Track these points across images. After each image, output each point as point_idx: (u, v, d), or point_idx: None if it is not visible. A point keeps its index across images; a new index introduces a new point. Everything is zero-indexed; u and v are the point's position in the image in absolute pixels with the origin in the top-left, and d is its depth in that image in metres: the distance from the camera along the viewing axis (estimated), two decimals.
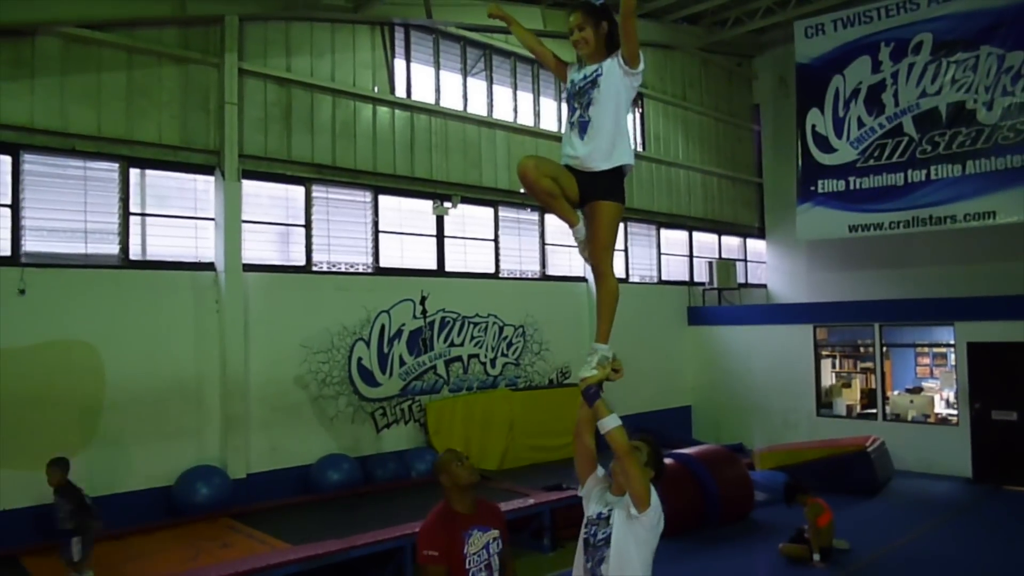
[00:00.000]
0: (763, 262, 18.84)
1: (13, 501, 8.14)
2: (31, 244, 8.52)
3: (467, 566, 3.76)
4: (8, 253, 8.35)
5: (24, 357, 8.31)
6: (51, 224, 8.70)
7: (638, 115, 15.95)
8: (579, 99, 3.79)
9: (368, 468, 10.78)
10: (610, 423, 3.50)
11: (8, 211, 8.39)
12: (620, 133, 3.75)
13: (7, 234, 8.37)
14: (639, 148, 15.79)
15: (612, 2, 3.77)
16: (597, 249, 3.78)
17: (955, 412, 13.28)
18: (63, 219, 8.79)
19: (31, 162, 8.58)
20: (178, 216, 9.76)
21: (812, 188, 15.25)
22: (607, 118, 3.70)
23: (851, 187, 14.73)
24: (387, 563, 8.06)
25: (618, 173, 3.76)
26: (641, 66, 3.70)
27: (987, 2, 13.23)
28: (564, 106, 4.04)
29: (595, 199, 3.73)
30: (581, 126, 3.77)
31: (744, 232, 18.55)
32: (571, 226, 3.84)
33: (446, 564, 3.74)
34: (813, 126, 15.28)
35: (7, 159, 8.42)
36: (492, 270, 13.12)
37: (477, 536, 3.84)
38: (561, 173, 3.75)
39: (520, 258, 13.58)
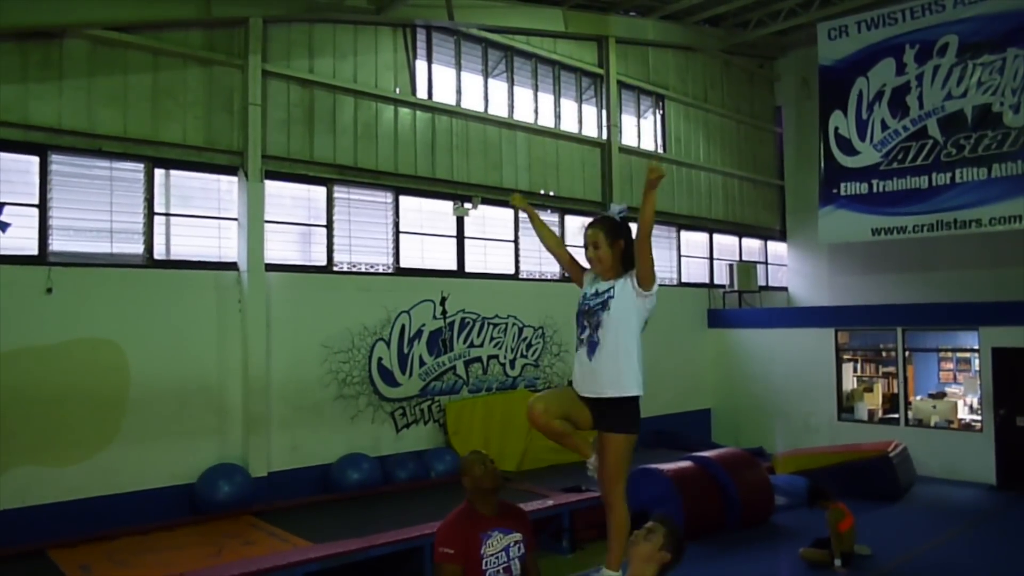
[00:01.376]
0: (784, 265, 18.72)
1: (40, 497, 8.25)
2: (58, 244, 8.65)
3: (484, 567, 3.69)
4: (36, 252, 8.49)
5: (50, 355, 8.44)
6: (78, 224, 8.83)
7: (659, 116, 15.92)
8: (588, 318, 3.84)
9: (388, 468, 10.83)
10: None
11: (36, 211, 8.52)
12: (629, 360, 3.76)
13: (35, 234, 8.50)
14: (660, 150, 15.76)
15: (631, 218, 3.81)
16: (604, 479, 3.83)
17: (979, 418, 13.11)
18: (89, 219, 8.92)
19: (58, 162, 8.71)
20: (202, 216, 9.87)
21: (835, 191, 15.12)
22: (616, 342, 3.74)
23: (874, 190, 14.59)
24: (406, 563, 8.08)
25: (629, 401, 3.78)
26: (655, 288, 3.74)
27: (1014, 4, 13.05)
28: (574, 322, 4.11)
29: (604, 430, 3.78)
30: (590, 346, 3.82)
31: (765, 235, 18.44)
32: (584, 458, 3.91)
33: (462, 564, 3.68)
34: (836, 128, 15.15)
35: (35, 160, 8.55)
36: (512, 271, 13.14)
37: (497, 538, 3.77)
38: (572, 406, 3.82)
39: (540, 259, 13.58)
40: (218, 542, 8.14)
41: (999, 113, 13.22)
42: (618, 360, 3.73)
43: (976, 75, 13.47)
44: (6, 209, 8.28)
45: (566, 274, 4.09)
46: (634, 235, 3.78)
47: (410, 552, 8.04)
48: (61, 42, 8.67)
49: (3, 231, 8.25)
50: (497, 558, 3.74)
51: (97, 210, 8.98)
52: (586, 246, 3.91)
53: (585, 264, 4.12)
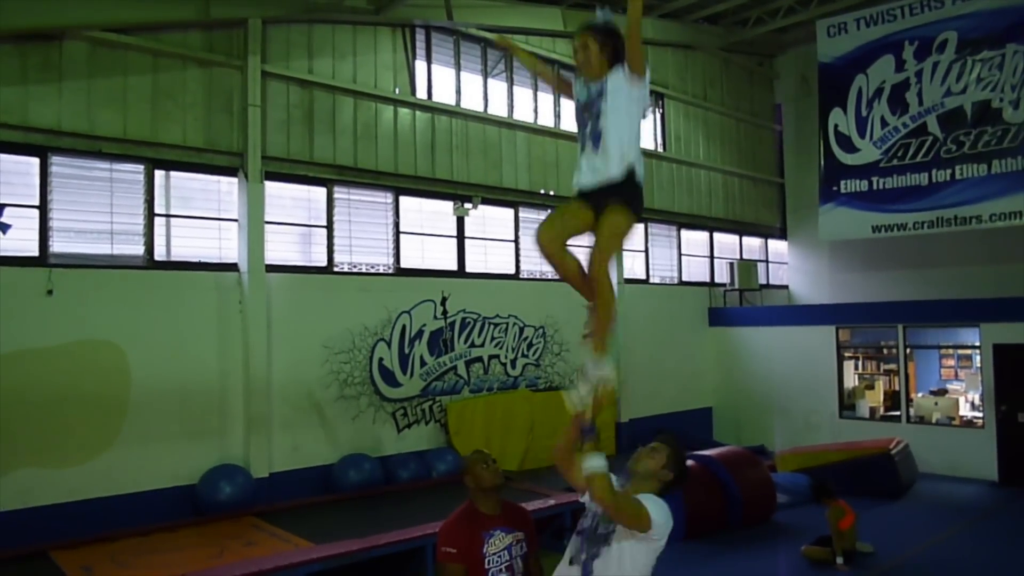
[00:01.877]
0: (785, 263, 18.72)
1: (41, 498, 8.26)
2: (58, 245, 8.65)
3: (486, 566, 3.69)
4: (36, 254, 8.49)
5: (51, 357, 8.44)
6: (78, 225, 8.83)
7: (659, 115, 15.91)
8: (588, 111, 3.72)
9: (389, 468, 10.83)
10: (595, 466, 3.12)
11: (36, 212, 8.53)
12: (632, 144, 3.66)
13: (35, 235, 8.50)
14: (660, 149, 15.75)
15: (615, 18, 3.73)
16: (594, 254, 3.71)
17: (980, 415, 13.12)
18: (90, 220, 8.92)
19: (58, 164, 8.71)
20: (202, 217, 9.87)
21: (835, 188, 15.13)
22: (618, 128, 3.63)
23: (874, 187, 14.60)
24: (408, 563, 8.09)
25: (632, 186, 3.64)
26: (648, 75, 3.62)
27: (1013, 0, 13.07)
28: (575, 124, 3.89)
29: (606, 208, 3.63)
30: (595, 137, 3.70)
31: (765, 233, 18.44)
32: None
33: (464, 563, 3.68)
34: (836, 126, 15.16)
35: (35, 161, 8.55)
36: (512, 271, 13.14)
37: (500, 536, 3.77)
38: (573, 217, 3.78)
39: (540, 259, 13.57)
40: (220, 543, 8.14)
41: (999, 109, 13.22)
42: (622, 143, 3.62)
43: (975, 71, 13.47)
44: (7, 211, 8.29)
45: (559, 94, 3.91)
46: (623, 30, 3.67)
47: (412, 552, 8.04)
48: (61, 44, 8.67)
49: (4, 232, 8.26)
50: (499, 557, 3.73)
51: (97, 211, 8.98)
52: (576, 51, 3.75)
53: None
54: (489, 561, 3.70)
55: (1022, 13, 12.97)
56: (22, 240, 8.42)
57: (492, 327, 12.61)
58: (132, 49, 9.17)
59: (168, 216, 9.55)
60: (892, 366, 14.48)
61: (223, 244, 9.99)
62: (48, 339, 8.44)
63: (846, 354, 14.91)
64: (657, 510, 3.17)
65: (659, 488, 3.33)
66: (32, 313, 8.34)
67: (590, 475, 3.11)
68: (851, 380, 14.94)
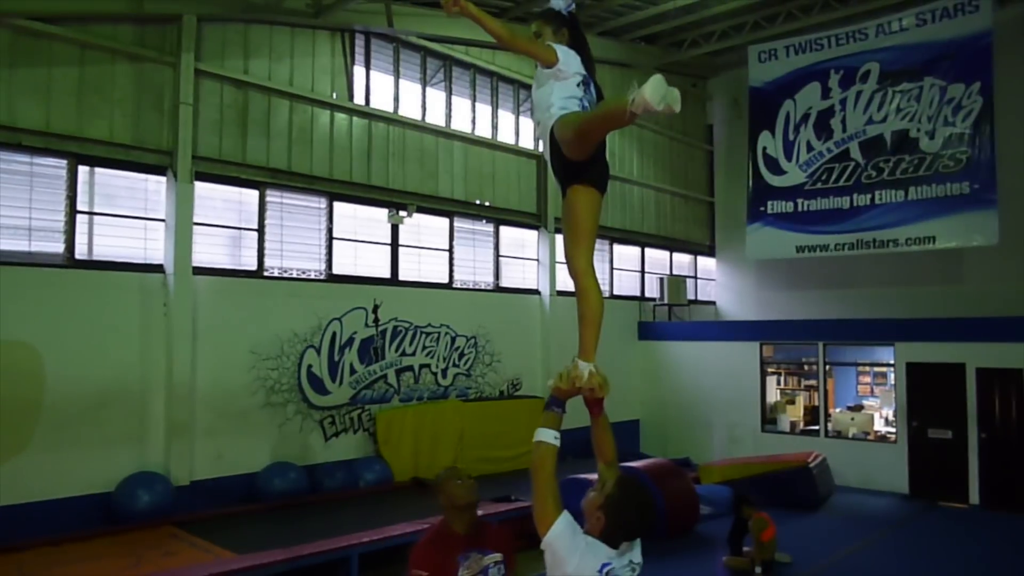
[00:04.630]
0: (713, 279, 19.18)
1: None
2: None
3: None
4: None
5: None
6: None
7: None
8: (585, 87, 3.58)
9: (315, 477, 10.66)
10: (549, 437, 3.07)
11: None
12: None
13: None
14: None
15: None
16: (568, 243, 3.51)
17: (893, 430, 13.66)
18: (6, 215, 8.55)
19: None
20: (127, 216, 9.57)
21: (762, 208, 15.56)
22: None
23: (799, 208, 15.07)
24: (333, 573, 7.96)
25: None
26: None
27: (931, 35, 13.71)
28: (572, 87, 3.54)
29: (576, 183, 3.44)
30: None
31: (695, 250, 18.85)
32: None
33: (428, 558, 3.54)
34: (764, 148, 15.61)
35: None
36: (446, 280, 13.12)
37: (476, 559, 3.57)
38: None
39: (474, 269, 13.61)
40: (136, 553, 7.87)
41: (916, 139, 13.83)
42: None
43: (895, 101, 14.07)
44: None
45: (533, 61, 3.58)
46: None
47: (338, 563, 7.92)
48: None
49: None
50: None
51: (15, 206, 8.62)
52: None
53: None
54: None
55: (939, 48, 13.62)
56: None
57: (424, 336, 12.56)
58: (58, 40, 8.86)
59: (91, 214, 9.23)
60: (812, 382, 14.97)
61: (149, 244, 9.70)
62: None
63: (769, 369, 15.35)
64: (566, 530, 2.88)
65: (599, 528, 2.95)
66: None
67: (538, 442, 3.04)
68: (773, 395, 15.38)
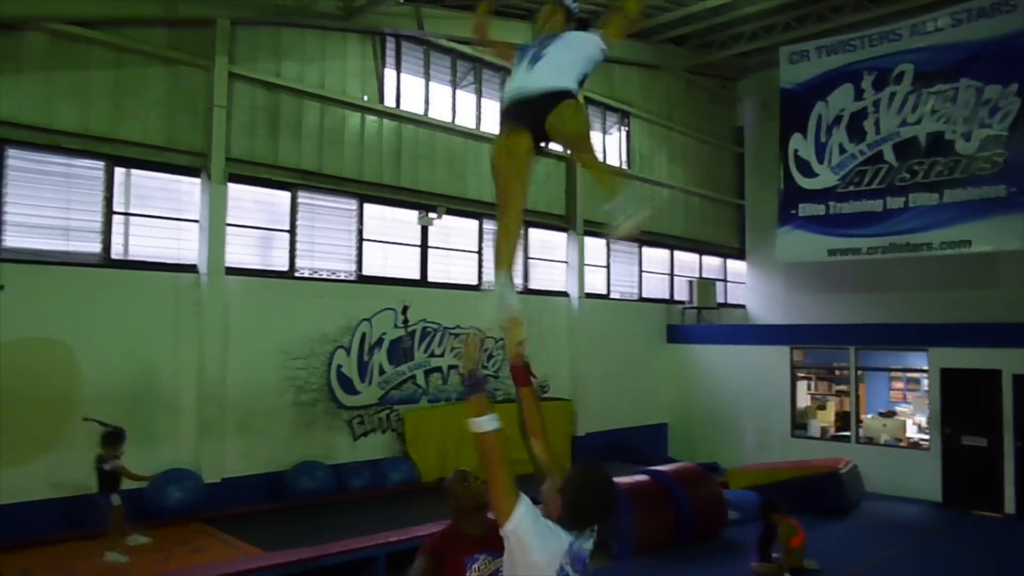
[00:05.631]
0: (742, 282, 19.02)
1: None
2: (11, 240, 8.46)
3: None
4: None
5: None
6: (32, 220, 8.64)
7: (623, 133, 16.11)
8: (540, 47, 3.66)
9: (342, 476, 10.74)
10: (487, 424, 2.89)
11: None
12: (572, 70, 3.58)
13: None
14: (624, 166, 15.94)
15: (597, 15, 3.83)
16: (580, 152, 3.60)
17: (927, 437, 13.44)
18: (45, 216, 8.74)
19: (15, 157, 8.53)
20: (162, 217, 9.73)
21: (792, 211, 15.42)
22: (563, 55, 3.58)
23: (831, 211, 14.91)
24: (359, 572, 8.01)
25: (570, 95, 3.54)
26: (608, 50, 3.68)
27: (967, 35, 13.49)
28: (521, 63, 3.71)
29: (556, 107, 3.46)
30: (533, 58, 3.62)
31: (724, 252, 18.72)
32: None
33: (434, 562, 3.57)
34: (796, 150, 15.46)
35: None
36: (475, 282, 13.15)
37: (485, 561, 3.55)
38: (516, 137, 3.61)
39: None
40: (166, 548, 8.00)
41: (951, 141, 13.61)
42: (562, 64, 3.54)
43: (930, 103, 13.86)
44: None
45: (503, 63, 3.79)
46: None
47: (363, 562, 7.97)
48: (22, 35, 8.51)
49: None
50: None
51: (53, 207, 8.81)
52: (542, 14, 3.84)
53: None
54: None
55: (975, 48, 13.40)
56: None
57: (452, 337, 12.60)
58: (95, 44, 9.04)
59: (127, 214, 9.40)
60: (843, 387, 14.78)
61: (182, 245, 9.85)
62: None
63: (799, 374, 15.18)
64: (528, 516, 2.80)
65: (557, 515, 2.94)
66: None
67: (483, 433, 2.87)
68: (803, 400, 15.21)
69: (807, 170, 15.33)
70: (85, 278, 8.92)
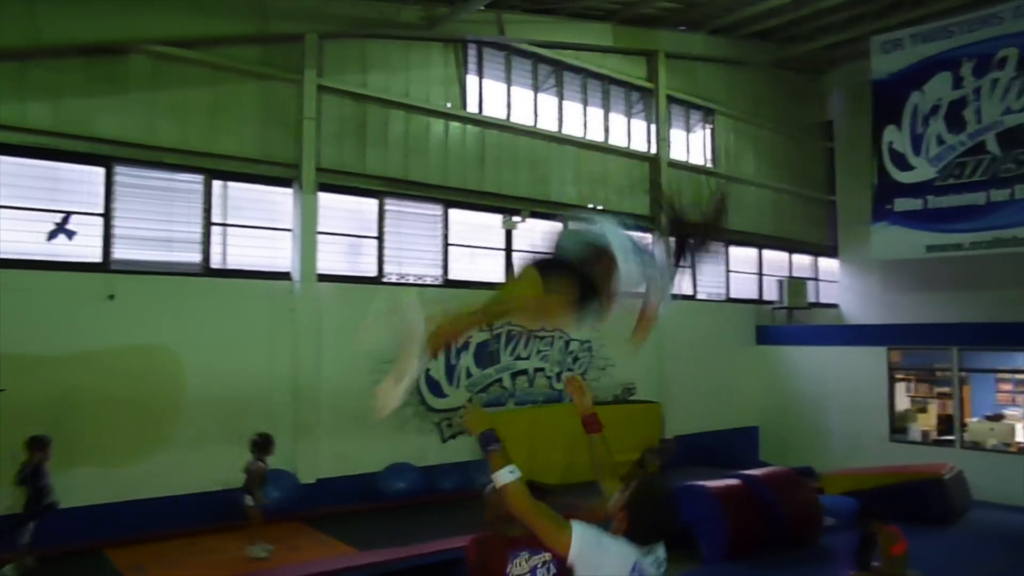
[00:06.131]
0: (835, 281, 18.41)
1: (98, 497, 8.49)
2: (120, 252, 8.95)
3: None
4: (100, 260, 8.79)
5: (109, 360, 8.72)
6: (139, 233, 9.12)
7: (708, 131, 15.84)
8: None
9: (432, 477, 10.91)
10: (507, 476, 2.96)
11: (100, 220, 8.84)
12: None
13: (99, 242, 8.82)
14: (709, 164, 15.68)
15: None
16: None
17: None
18: (148, 228, 9.20)
19: (122, 174, 9.02)
20: (257, 226, 10.11)
21: (888, 206, 14.87)
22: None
23: (929, 206, 14.32)
24: (447, 573, 8.11)
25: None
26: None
27: None
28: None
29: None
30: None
31: (815, 250, 18.17)
32: None
33: (479, 557, 3.75)
34: (890, 143, 14.92)
35: (101, 171, 8.88)
36: None
37: (524, 558, 3.69)
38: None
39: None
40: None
41: None
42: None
43: None
44: (72, 218, 8.61)
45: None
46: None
47: (452, 563, 8.06)
48: (126, 58, 8.99)
49: (69, 239, 8.57)
50: None
51: (157, 220, 9.27)
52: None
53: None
54: None
55: None
56: (86, 247, 8.73)
57: (538, 340, 12.64)
58: (192, 63, 9.46)
59: (224, 225, 9.80)
60: (945, 389, 14.13)
61: (276, 253, 10.21)
62: (108, 342, 8.72)
63: (897, 376, 14.60)
64: (586, 538, 2.85)
65: (623, 531, 3.00)
66: (93, 317, 8.62)
67: (504, 486, 2.94)
68: (903, 403, 14.61)
69: (902, 163, 14.76)
70: (186, 287, 9.35)
